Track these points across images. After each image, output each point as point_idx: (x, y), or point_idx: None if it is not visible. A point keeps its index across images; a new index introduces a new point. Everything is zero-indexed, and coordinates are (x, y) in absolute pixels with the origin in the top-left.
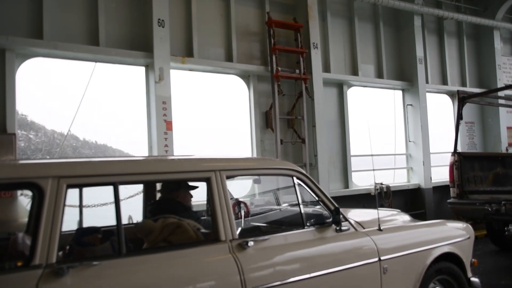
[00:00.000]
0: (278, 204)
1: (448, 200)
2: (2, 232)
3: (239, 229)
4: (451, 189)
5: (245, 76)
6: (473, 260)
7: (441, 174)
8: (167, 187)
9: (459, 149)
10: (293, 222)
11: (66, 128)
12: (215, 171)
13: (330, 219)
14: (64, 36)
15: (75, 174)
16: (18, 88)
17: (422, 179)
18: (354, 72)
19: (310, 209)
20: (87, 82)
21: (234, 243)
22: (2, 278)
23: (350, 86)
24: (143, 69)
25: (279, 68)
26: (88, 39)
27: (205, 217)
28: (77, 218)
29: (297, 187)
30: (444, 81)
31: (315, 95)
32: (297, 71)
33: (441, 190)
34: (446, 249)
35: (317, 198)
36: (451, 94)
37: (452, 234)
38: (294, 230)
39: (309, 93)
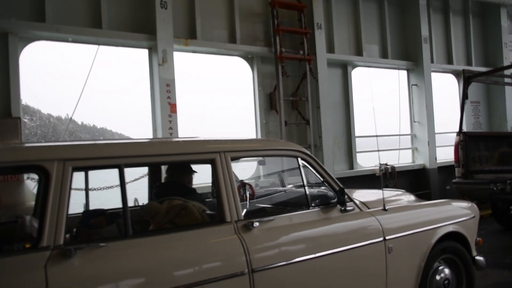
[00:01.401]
0: (283, 185)
1: (453, 180)
2: (10, 215)
3: (244, 210)
4: (456, 169)
5: (249, 58)
6: (478, 239)
7: (446, 154)
8: (172, 169)
9: (465, 129)
10: (298, 203)
11: (63, 111)
12: (220, 153)
13: (335, 200)
14: (67, 19)
15: (81, 157)
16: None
17: (427, 159)
18: (359, 52)
19: (315, 190)
20: (90, 65)
21: (239, 224)
22: (12, 259)
23: (354, 66)
24: (146, 51)
25: (283, 49)
26: (90, 22)
27: (210, 199)
28: (84, 200)
29: (301, 168)
30: (450, 61)
31: (319, 76)
32: (301, 52)
33: (446, 170)
34: (451, 228)
35: (322, 179)
36: (456, 74)
37: (457, 214)
38: (299, 210)
39: (313, 74)
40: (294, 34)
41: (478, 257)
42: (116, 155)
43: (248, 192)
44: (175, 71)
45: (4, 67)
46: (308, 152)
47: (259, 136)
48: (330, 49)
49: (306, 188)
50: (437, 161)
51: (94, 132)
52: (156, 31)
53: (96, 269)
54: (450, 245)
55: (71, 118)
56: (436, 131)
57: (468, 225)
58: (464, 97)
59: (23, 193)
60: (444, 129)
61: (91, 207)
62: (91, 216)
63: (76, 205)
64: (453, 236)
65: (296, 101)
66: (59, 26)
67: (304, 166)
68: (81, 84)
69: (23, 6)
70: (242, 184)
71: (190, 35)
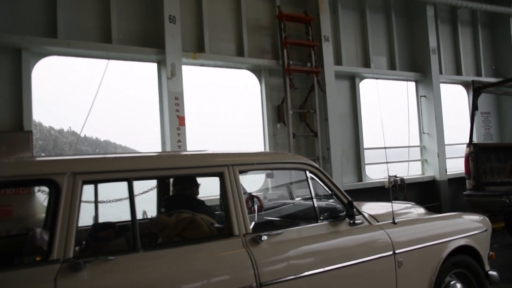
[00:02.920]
0: (291, 198)
1: (464, 192)
2: (21, 227)
3: (253, 223)
4: (467, 181)
5: (257, 71)
6: (490, 253)
7: (456, 166)
8: (180, 181)
9: (475, 140)
10: (307, 216)
11: (66, 124)
12: (228, 166)
13: (344, 213)
14: (78, 34)
15: (91, 171)
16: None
17: (437, 171)
18: (366, 64)
19: (323, 203)
20: (100, 80)
21: (247, 237)
22: (22, 272)
23: (362, 78)
24: (155, 65)
25: (291, 62)
26: (100, 37)
27: (218, 212)
28: (93, 213)
29: (310, 181)
30: (459, 71)
31: (327, 88)
32: (309, 64)
33: (456, 182)
34: (462, 242)
35: (330, 192)
36: (465, 85)
37: (468, 227)
38: (308, 224)
39: (321, 86)
40: (301, 47)
41: (491, 272)
42: (125, 168)
43: (256, 205)
44: (183, 84)
45: (17, 81)
46: (316, 165)
47: (267, 149)
48: (338, 61)
49: (315, 201)
50: (447, 173)
51: (97, 145)
52: (165, 45)
53: (105, 283)
54: (462, 259)
55: (80, 132)
56: (446, 143)
57: (480, 238)
58: (474, 108)
59: (34, 206)
60: (454, 141)
61: (101, 220)
62: (100, 229)
63: (85, 218)
64: (465, 250)
65: (304, 113)
66: (70, 41)
67: (312, 179)
68: (91, 98)
69: (35, 22)
70: (250, 197)
71: (198, 48)
